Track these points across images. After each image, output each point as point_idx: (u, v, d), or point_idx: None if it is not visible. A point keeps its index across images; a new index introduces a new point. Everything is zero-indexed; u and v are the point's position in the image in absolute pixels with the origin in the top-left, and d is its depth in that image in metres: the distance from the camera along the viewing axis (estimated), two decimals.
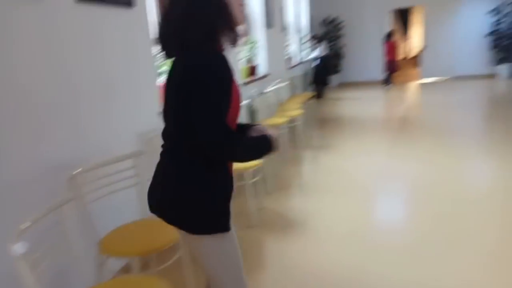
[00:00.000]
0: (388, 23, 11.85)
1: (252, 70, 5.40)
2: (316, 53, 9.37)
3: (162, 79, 3.17)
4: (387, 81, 10.84)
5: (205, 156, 1.21)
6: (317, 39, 9.38)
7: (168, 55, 1.27)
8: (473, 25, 11.13)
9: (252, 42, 5.26)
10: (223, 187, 1.27)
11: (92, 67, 2.20)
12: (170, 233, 1.82)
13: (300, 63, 9.46)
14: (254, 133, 1.34)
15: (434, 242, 2.66)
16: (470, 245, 2.57)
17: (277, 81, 5.95)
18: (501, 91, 9.33)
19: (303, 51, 9.70)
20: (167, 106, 1.27)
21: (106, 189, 1.93)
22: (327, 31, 11.70)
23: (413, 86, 11.14)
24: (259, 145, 1.27)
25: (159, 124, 2.70)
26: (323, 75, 9.44)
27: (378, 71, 11.18)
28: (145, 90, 2.74)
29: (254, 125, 1.38)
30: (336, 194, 3.65)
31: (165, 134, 1.32)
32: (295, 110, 5.40)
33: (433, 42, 11.48)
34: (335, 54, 11.78)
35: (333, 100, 9.47)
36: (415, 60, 13.69)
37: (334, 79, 12.03)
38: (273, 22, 6.27)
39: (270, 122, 4.68)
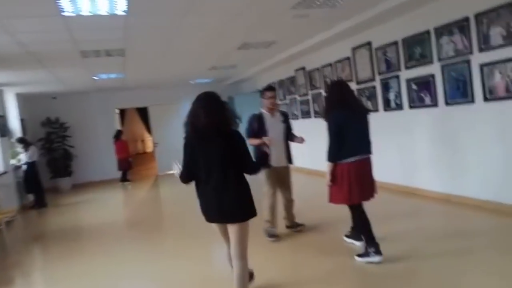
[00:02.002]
0: (117, 123, 12.06)
1: None
2: (24, 158, 8.28)
3: None
4: (124, 178, 10.73)
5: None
6: (23, 143, 8.30)
7: (207, 136, 2.73)
8: None
9: None
10: None
11: None
12: None
13: (14, 169, 8.18)
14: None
15: None
16: None
17: None
18: None
19: (14, 157, 8.46)
20: (219, 159, 2.75)
21: None
22: (50, 132, 10.81)
23: (153, 180, 11.47)
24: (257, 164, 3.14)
25: None
26: (35, 182, 8.33)
27: (114, 169, 10.96)
28: None
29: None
30: None
31: (218, 175, 2.74)
32: None
33: (162, 139, 12.21)
34: (64, 155, 10.91)
35: (63, 207, 8.47)
36: (152, 155, 14.35)
37: (66, 182, 11.01)
38: None
39: None
